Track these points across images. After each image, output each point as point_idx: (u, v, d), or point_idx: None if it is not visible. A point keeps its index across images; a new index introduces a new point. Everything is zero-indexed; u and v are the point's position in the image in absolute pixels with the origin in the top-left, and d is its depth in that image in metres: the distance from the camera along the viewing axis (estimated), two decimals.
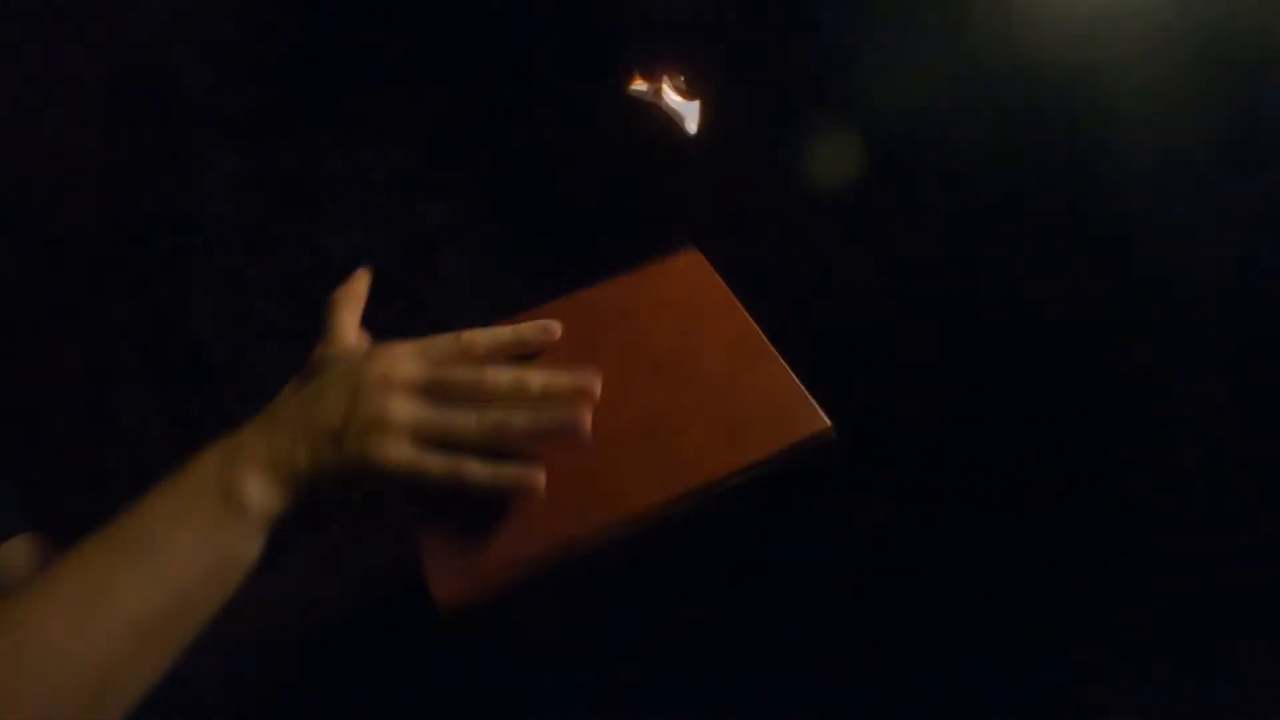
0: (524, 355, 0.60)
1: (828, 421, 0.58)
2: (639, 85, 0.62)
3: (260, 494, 0.51)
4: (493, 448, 0.53)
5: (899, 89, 0.95)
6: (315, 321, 0.60)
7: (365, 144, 1.10)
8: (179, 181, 1.09)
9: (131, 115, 1.11)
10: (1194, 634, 0.94)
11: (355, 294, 0.62)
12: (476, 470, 0.52)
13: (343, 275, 0.61)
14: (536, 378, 0.55)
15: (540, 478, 0.53)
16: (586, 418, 0.54)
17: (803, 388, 0.59)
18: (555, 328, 0.60)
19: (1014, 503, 0.95)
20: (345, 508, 0.54)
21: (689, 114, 0.66)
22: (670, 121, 0.97)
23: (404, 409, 0.53)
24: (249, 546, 0.51)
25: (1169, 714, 0.93)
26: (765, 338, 0.62)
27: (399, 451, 0.52)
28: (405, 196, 1.09)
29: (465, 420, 0.53)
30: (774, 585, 0.96)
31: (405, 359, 0.55)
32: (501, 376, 0.55)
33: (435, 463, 0.52)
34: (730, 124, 0.99)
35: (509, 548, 0.53)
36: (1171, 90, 0.89)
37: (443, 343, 0.56)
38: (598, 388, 0.56)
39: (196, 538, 0.50)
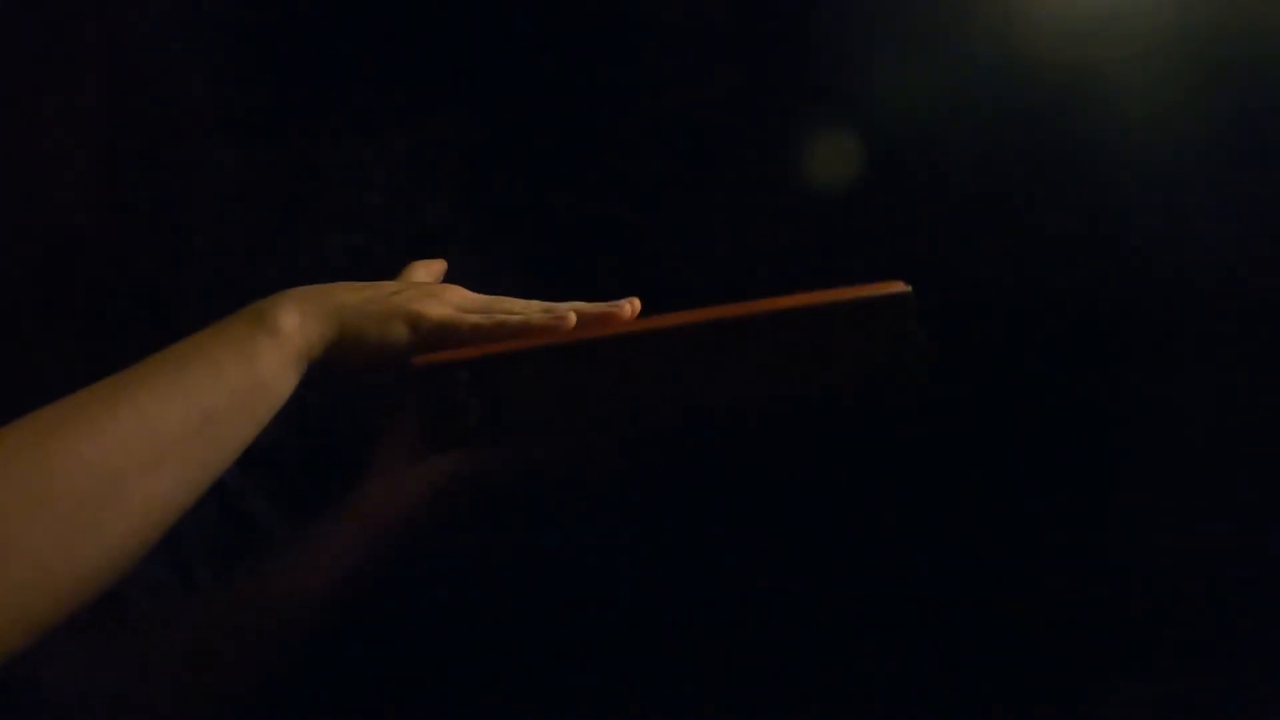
0: None
1: (905, 284, 0.51)
2: None
3: (295, 319, 0.53)
4: None
5: (897, 89, 0.94)
6: None
7: (365, 144, 1.09)
8: (178, 181, 1.09)
9: (130, 114, 1.10)
10: (1194, 634, 0.94)
11: (431, 267, 0.68)
12: (510, 317, 0.55)
13: (343, 275, 0.61)
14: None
15: (573, 316, 0.55)
16: (628, 310, 0.57)
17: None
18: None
19: (1011, 504, 0.95)
20: (373, 349, 0.55)
21: None
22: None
23: (456, 294, 0.58)
24: (280, 373, 0.51)
25: (1169, 714, 0.93)
26: None
27: (441, 309, 0.56)
28: (406, 196, 1.09)
29: (510, 306, 0.57)
30: (769, 587, 0.96)
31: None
32: (552, 305, 0.59)
33: (473, 316, 0.56)
34: (729, 124, 0.99)
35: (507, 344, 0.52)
36: (1171, 90, 0.89)
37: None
38: (638, 305, 0.58)
39: (226, 355, 0.50)
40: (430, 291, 0.57)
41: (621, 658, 0.94)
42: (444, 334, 0.55)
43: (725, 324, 0.49)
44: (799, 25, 0.97)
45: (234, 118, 1.10)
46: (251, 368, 0.50)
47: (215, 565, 0.79)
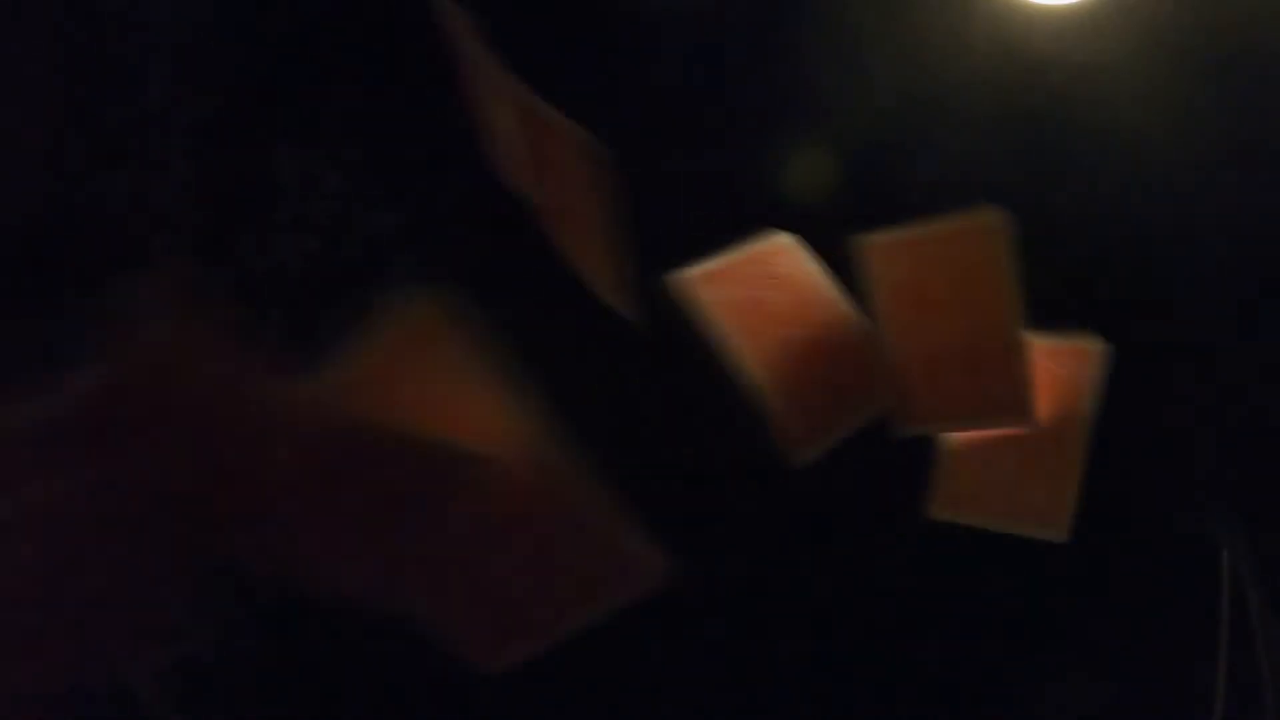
0: None
1: None
2: None
3: None
4: None
5: (897, 89, 0.95)
6: (269, 325, 0.59)
7: (319, 150, 1.09)
8: (134, 183, 1.08)
9: (87, 116, 1.10)
10: (1174, 637, 0.96)
11: None
12: None
13: (298, 280, 0.59)
14: None
15: None
16: None
17: None
18: None
19: None
20: None
21: None
22: None
23: None
24: None
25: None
26: None
27: None
28: (358, 202, 1.08)
29: None
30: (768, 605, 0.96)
31: None
32: None
33: None
34: (727, 123, 1.00)
35: None
36: (1172, 90, 0.88)
37: None
38: None
39: None
40: None
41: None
42: None
43: None
44: (796, 24, 0.97)
45: (189, 121, 1.10)
46: None
47: None
